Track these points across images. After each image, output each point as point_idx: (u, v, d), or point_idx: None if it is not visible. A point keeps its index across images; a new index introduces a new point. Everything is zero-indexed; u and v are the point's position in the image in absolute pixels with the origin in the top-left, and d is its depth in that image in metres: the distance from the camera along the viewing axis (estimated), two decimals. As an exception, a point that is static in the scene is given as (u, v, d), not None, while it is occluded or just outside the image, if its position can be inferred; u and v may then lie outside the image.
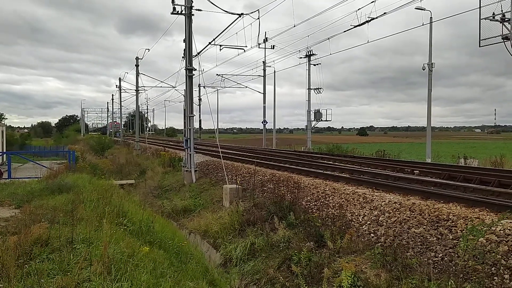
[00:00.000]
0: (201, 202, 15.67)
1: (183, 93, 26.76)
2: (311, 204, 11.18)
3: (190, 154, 19.84)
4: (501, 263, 5.94)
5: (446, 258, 6.62)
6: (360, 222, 9.15)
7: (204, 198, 16.03)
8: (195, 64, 20.39)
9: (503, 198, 8.92)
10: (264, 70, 41.01)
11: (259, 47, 28.29)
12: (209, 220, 12.59)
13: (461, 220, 7.37)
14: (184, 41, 20.26)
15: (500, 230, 6.58)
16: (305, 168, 16.07)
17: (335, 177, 13.43)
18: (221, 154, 18.31)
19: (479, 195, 9.30)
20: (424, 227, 7.72)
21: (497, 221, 6.64)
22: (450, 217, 7.63)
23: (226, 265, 10.04)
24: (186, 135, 20.76)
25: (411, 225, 8.00)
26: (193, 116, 20.64)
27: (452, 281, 5.56)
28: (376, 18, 20.17)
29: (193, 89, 21.35)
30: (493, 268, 5.94)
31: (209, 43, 23.57)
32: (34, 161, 23.66)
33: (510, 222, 6.79)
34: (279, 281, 7.89)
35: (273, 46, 32.38)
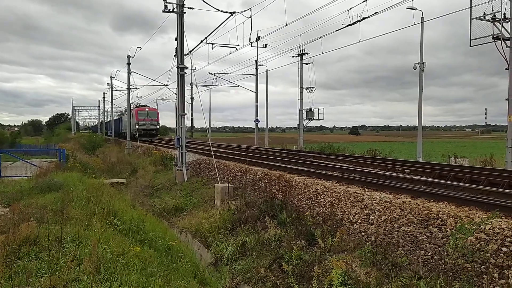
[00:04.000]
0: (192, 201, 15.61)
1: (175, 92, 26.65)
2: (302, 203, 11.19)
3: (181, 153, 19.76)
4: (490, 261, 5.98)
5: (435, 257, 6.65)
6: (351, 220, 9.17)
7: (196, 197, 15.98)
8: (187, 63, 20.33)
9: (492, 197, 8.99)
10: (256, 69, 41.02)
11: (251, 46, 28.31)
12: (200, 219, 12.55)
13: (451, 218, 7.41)
14: (176, 39, 20.17)
15: (489, 229, 6.62)
16: (297, 167, 16.09)
17: (327, 176, 13.46)
18: (212, 153, 18.26)
19: (468, 194, 9.36)
20: (414, 225, 7.75)
21: (486, 219, 6.69)
22: (440, 215, 7.67)
23: (217, 264, 10.02)
24: (177, 134, 20.68)
25: (401, 223, 8.04)
26: (185, 115, 20.56)
27: (441, 280, 5.58)
28: (368, 17, 20.24)
29: (185, 88, 21.29)
30: (482, 267, 5.98)
31: (201, 41, 23.53)
32: (24, 160, 23.43)
33: (499, 221, 6.84)
34: (270, 280, 7.89)
35: (266, 45, 32.42)
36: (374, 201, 9.42)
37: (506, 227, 6.60)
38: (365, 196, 9.98)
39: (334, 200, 10.46)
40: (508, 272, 5.73)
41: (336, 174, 13.75)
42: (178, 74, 20.21)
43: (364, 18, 20.34)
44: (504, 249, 6.12)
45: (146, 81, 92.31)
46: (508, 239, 6.29)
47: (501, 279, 5.69)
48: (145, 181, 22.01)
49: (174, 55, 21.08)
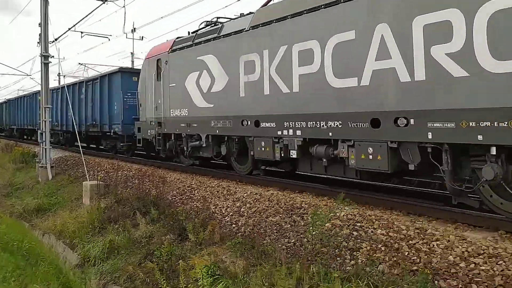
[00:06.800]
0: (57, 200, 14.55)
1: (40, 82, 24.47)
2: (176, 198, 11.14)
3: (45, 149, 18.21)
4: (343, 245, 6.62)
5: (297, 243, 7.15)
6: (223, 213, 9.39)
7: (62, 196, 14.92)
8: (52, 51, 18.78)
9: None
10: (132, 62, 39.56)
11: (127, 38, 27.28)
12: (66, 219, 11.76)
13: (312, 207, 8.03)
14: (40, 25, 18.54)
15: (343, 216, 7.35)
16: (172, 163, 15.92)
17: (203, 171, 13.56)
18: (81, 149, 17.12)
19: (326, 186, 10.25)
20: (280, 215, 8.23)
21: (338, 206, 7.42)
22: (302, 205, 8.27)
23: (83, 265, 9.48)
24: (41, 128, 18.98)
25: (269, 214, 8.47)
26: (49, 108, 18.99)
27: (298, 264, 6.01)
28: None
29: (52, 78, 19.65)
30: (336, 250, 6.58)
31: (69, 29, 21.93)
32: None
33: (353, 209, 7.65)
34: (139, 277, 7.72)
35: (142, 37, 31.39)
36: (245, 194, 9.78)
37: (357, 214, 7.39)
38: (237, 189, 10.31)
39: (207, 194, 10.61)
40: (357, 253, 6.39)
41: (213, 170, 13.91)
42: (41, 63, 18.59)
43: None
44: (355, 233, 6.82)
45: (5, 69, 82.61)
46: (359, 224, 7.05)
47: (351, 260, 6.33)
48: (3, 180, 19.94)
49: (38, 43, 19.38)
